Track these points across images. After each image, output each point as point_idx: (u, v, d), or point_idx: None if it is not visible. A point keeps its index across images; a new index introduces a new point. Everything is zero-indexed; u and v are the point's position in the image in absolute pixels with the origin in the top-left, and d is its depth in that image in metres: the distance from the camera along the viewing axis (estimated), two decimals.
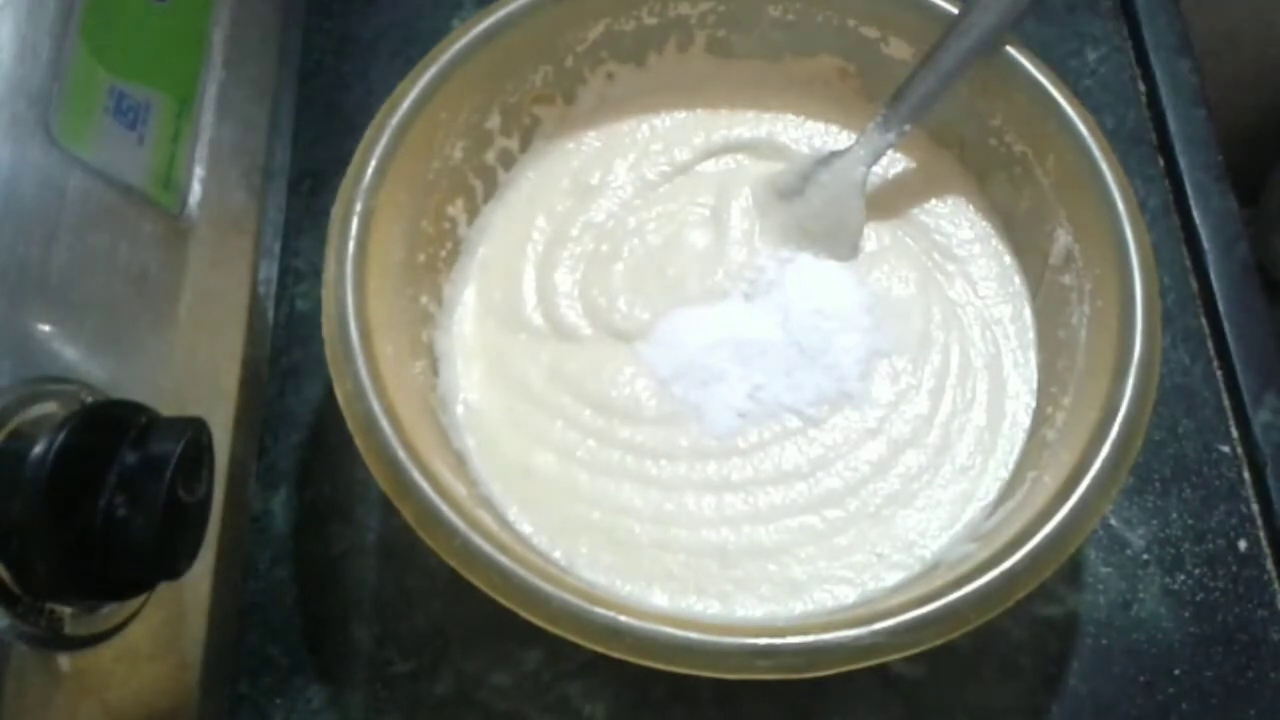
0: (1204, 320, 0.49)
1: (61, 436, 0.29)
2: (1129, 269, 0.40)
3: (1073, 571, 0.44)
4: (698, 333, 0.45)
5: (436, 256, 0.46)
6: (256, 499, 0.46)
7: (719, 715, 0.42)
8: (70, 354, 0.33)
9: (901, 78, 0.45)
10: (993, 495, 0.42)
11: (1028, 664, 0.43)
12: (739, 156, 0.49)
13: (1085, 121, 0.42)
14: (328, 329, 0.39)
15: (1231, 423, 0.47)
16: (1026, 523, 0.36)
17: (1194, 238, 0.51)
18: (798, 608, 0.39)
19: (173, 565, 0.32)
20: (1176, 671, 0.43)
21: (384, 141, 0.42)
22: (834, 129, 0.50)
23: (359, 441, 0.37)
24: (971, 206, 0.48)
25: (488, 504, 0.42)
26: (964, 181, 0.48)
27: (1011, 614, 0.35)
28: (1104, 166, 0.41)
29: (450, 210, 0.47)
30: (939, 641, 0.34)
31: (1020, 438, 0.43)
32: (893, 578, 0.40)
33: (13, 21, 0.33)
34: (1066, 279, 0.43)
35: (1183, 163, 0.52)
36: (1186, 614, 0.44)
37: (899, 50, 0.46)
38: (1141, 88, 0.55)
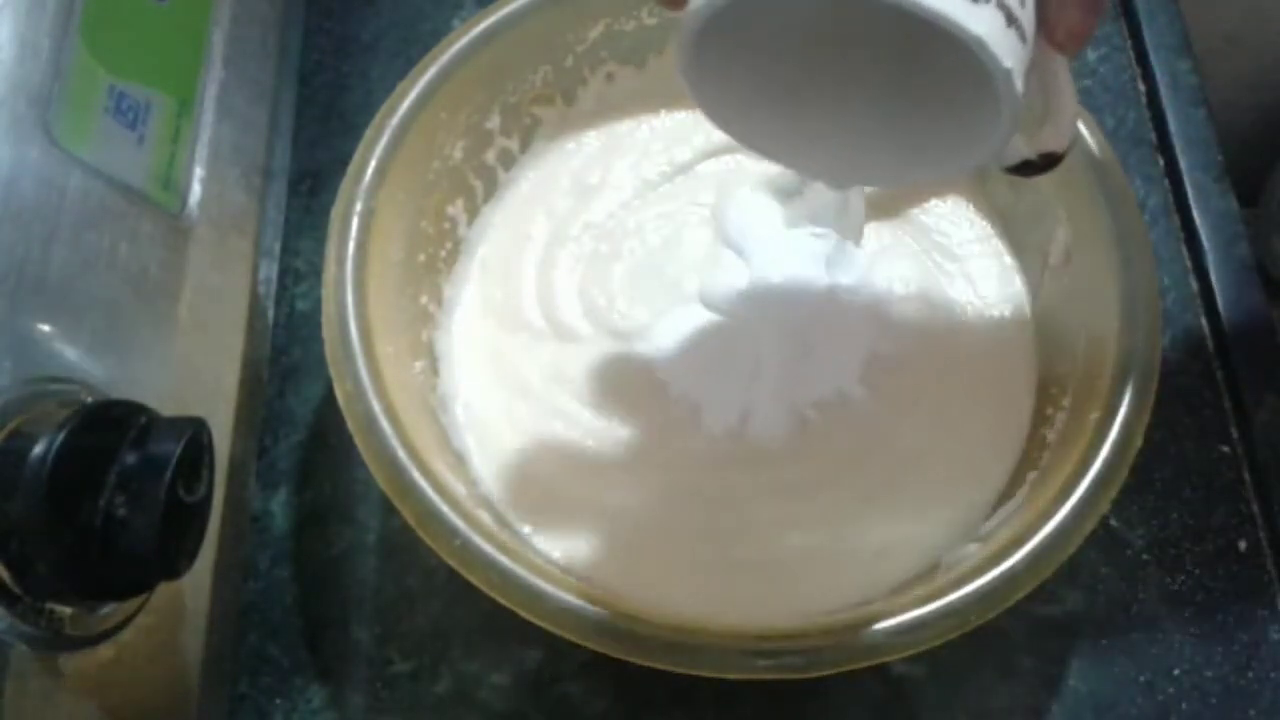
0: (1204, 320, 0.49)
1: (61, 436, 0.29)
2: (1129, 269, 0.40)
3: (1073, 571, 0.44)
4: (697, 333, 0.45)
5: (436, 256, 0.46)
6: (256, 499, 0.46)
7: (719, 715, 0.42)
8: (70, 354, 0.33)
9: None
10: (993, 495, 0.42)
11: (1028, 664, 0.43)
12: (739, 156, 0.49)
13: (1085, 122, 0.42)
14: (328, 329, 0.39)
15: (1231, 423, 0.47)
16: (1026, 523, 0.36)
17: (1194, 238, 0.51)
18: (798, 607, 0.39)
19: (173, 565, 0.32)
20: (1176, 671, 0.43)
21: (384, 141, 0.42)
22: None
23: (359, 441, 0.37)
24: (971, 206, 0.48)
25: (488, 504, 0.42)
26: (964, 181, 0.48)
27: (1011, 614, 0.35)
28: (1104, 166, 0.41)
29: (450, 210, 0.47)
30: (939, 641, 0.34)
31: (1020, 438, 0.43)
32: (893, 578, 0.40)
33: (13, 21, 0.33)
34: (1066, 279, 0.43)
35: (1183, 163, 0.52)
36: (1186, 614, 0.44)
37: None
38: (1141, 88, 0.55)
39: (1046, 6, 0.29)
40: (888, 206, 0.48)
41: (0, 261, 0.31)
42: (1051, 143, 0.33)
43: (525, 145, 0.49)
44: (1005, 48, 0.27)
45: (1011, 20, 0.27)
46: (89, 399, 0.32)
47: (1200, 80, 0.54)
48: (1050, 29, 0.29)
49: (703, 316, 0.46)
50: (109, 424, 0.31)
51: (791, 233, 0.47)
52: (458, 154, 0.46)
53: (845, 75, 0.32)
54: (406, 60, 0.54)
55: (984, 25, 0.26)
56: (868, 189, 0.46)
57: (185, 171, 0.41)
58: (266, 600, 0.44)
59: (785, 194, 0.47)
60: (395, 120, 0.42)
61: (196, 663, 0.39)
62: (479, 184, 0.48)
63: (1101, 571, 0.44)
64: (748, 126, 0.34)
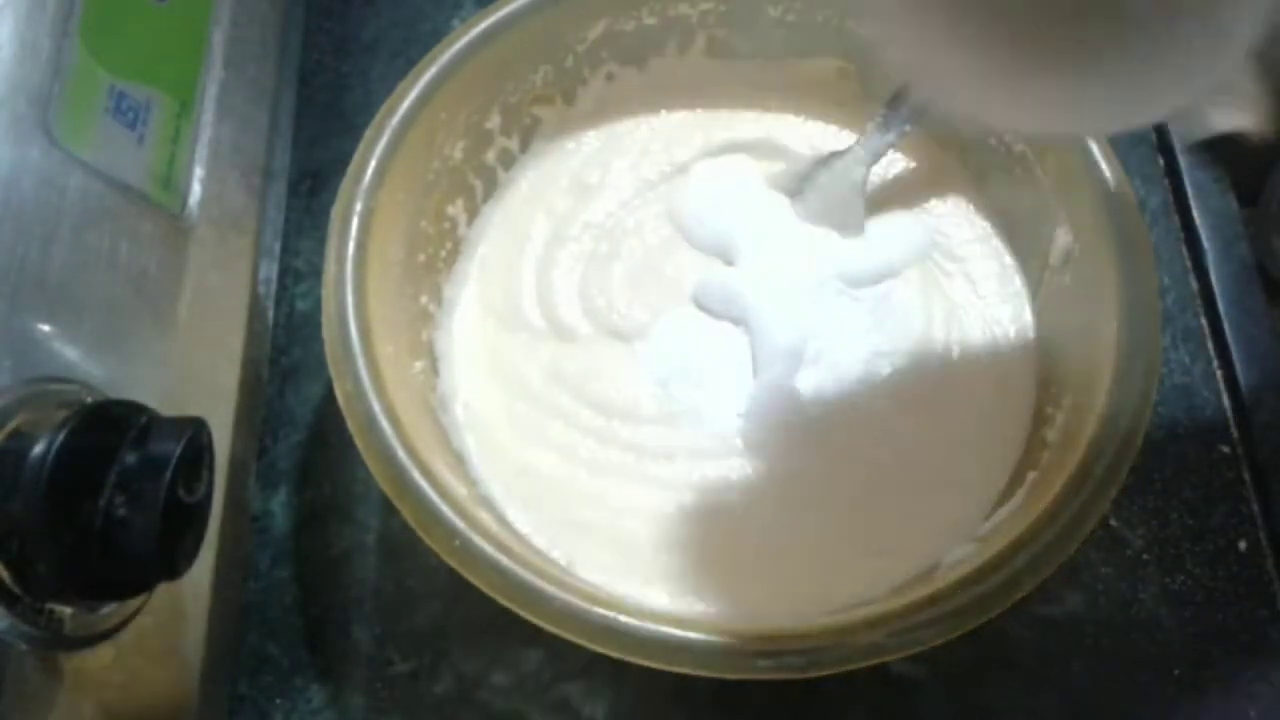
0: (1204, 320, 0.49)
1: (61, 436, 0.29)
2: (1129, 269, 0.40)
3: (1073, 571, 0.44)
4: (696, 333, 0.45)
5: (436, 256, 0.46)
6: (256, 499, 0.46)
7: (719, 715, 0.42)
8: (70, 354, 0.33)
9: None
10: (993, 495, 0.42)
11: (1028, 664, 0.43)
12: (739, 156, 0.49)
13: None
14: (328, 329, 0.39)
15: (1231, 423, 0.47)
16: (1026, 523, 0.36)
17: (1194, 238, 0.51)
18: (798, 608, 0.39)
19: (173, 565, 0.32)
20: (1176, 671, 0.43)
21: (384, 141, 0.42)
22: (834, 129, 0.50)
23: (359, 441, 0.37)
24: (971, 206, 0.48)
25: (488, 504, 0.42)
26: (964, 181, 0.48)
27: (1011, 614, 0.35)
28: (1104, 166, 0.41)
29: (450, 210, 0.47)
30: (939, 641, 0.34)
31: (1020, 438, 0.43)
32: (893, 578, 0.40)
33: (13, 21, 0.33)
34: (1066, 279, 0.43)
35: (1183, 163, 0.52)
36: (1186, 614, 0.44)
37: None
38: None
39: None
40: (888, 207, 0.48)
41: (0, 261, 0.31)
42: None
43: (525, 145, 0.49)
44: None
45: None
46: (89, 399, 0.32)
47: None
48: None
49: (702, 316, 0.46)
50: (109, 424, 0.31)
51: (791, 232, 0.47)
52: (458, 154, 0.46)
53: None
54: (406, 60, 0.54)
55: None
56: (867, 191, 0.46)
57: (185, 171, 0.41)
58: (266, 600, 0.44)
59: (788, 192, 0.48)
60: (395, 120, 0.42)
61: (196, 663, 0.39)
62: (479, 184, 0.48)
63: (1101, 571, 0.44)
64: (949, 83, 0.29)
